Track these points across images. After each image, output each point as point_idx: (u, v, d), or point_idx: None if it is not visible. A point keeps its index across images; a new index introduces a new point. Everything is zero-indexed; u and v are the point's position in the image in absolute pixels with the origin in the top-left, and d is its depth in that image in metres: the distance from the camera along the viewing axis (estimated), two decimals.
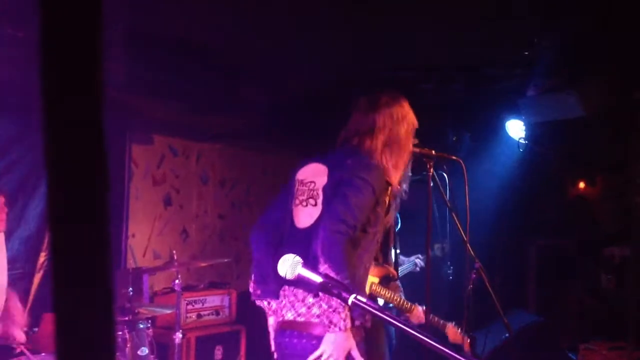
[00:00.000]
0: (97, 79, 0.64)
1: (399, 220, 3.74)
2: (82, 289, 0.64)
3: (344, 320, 2.60)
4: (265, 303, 2.93)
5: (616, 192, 6.32)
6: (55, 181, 0.64)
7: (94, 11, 0.65)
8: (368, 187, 2.74)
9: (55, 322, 0.64)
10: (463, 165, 3.29)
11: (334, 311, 2.59)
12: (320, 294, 2.59)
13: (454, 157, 3.32)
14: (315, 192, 2.85)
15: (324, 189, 2.83)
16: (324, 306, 2.62)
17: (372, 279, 3.31)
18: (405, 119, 3.01)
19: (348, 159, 2.84)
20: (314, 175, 2.92)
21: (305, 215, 2.86)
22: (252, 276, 2.98)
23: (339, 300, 2.56)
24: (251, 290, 2.97)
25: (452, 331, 3.63)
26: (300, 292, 2.75)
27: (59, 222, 0.64)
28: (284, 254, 2.11)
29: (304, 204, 2.87)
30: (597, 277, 6.35)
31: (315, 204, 2.83)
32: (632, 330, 5.34)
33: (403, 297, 3.42)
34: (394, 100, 3.03)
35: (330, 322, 2.59)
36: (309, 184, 2.90)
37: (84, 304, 0.64)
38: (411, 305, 3.42)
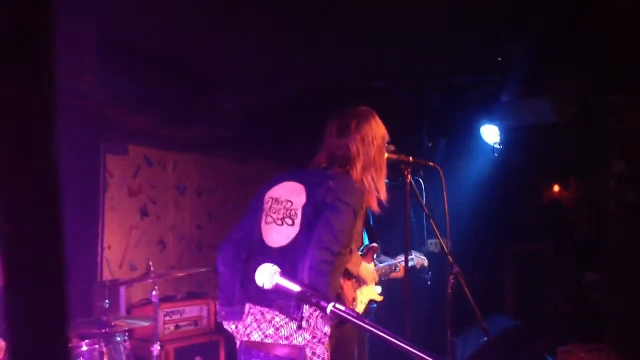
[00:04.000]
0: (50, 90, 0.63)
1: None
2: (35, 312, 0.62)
3: (327, 351, 2.61)
4: (233, 326, 2.93)
5: (590, 195, 6.39)
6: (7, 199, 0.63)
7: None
8: (350, 211, 2.76)
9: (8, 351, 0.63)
10: (440, 171, 3.30)
11: (318, 342, 2.59)
12: (304, 324, 2.59)
13: (431, 163, 3.33)
14: (292, 212, 2.83)
15: (304, 208, 2.81)
16: (307, 337, 2.61)
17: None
18: (375, 137, 3.03)
19: (330, 181, 2.84)
20: (290, 194, 2.90)
21: (280, 234, 2.83)
22: (218, 297, 2.99)
23: (322, 331, 2.57)
24: (217, 310, 2.98)
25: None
26: (267, 312, 2.73)
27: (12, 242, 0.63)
28: (254, 269, 2.09)
29: (279, 222, 2.85)
30: (574, 281, 6.40)
31: (293, 224, 2.81)
32: (611, 332, 5.40)
33: (386, 264, 3.46)
34: (363, 121, 3.04)
35: (314, 353, 2.59)
36: (285, 202, 2.88)
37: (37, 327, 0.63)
38: (396, 266, 3.47)
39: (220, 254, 2.99)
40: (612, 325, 5.47)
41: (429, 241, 4.98)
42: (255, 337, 2.73)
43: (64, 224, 0.68)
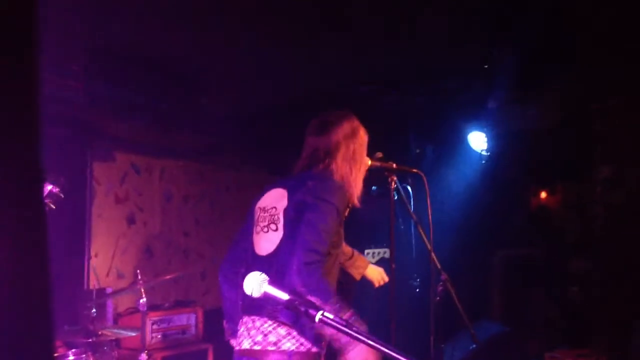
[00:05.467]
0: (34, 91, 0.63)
1: None
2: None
3: None
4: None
5: (577, 200, 6.42)
6: None
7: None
8: (333, 210, 2.71)
9: None
10: (424, 177, 3.32)
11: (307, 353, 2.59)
12: (295, 334, 2.59)
13: (414, 170, 3.34)
14: (275, 217, 2.82)
15: (285, 211, 2.79)
16: (296, 344, 2.60)
17: None
18: (356, 133, 3.03)
19: (309, 181, 2.81)
20: (274, 200, 2.89)
21: (266, 241, 2.82)
22: (224, 315, 3.04)
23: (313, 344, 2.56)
24: (224, 328, 3.05)
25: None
26: (257, 319, 2.71)
27: None
28: None
29: (265, 229, 2.84)
30: (562, 286, 6.42)
31: (276, 229, 2.79)
32: (597, 337, 5.42)
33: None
34: (342, 118, 3.04)
35: None
36: (271, 209, 2.87)
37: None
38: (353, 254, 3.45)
39: (221, 274, 3.02)
40: (600, 331, 5.49)
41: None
42: (245, 345, 2.72)
43: (50, 233, 0.67)
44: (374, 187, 3.41)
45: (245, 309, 2.79)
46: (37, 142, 0.65)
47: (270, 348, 2.62)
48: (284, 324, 2.62)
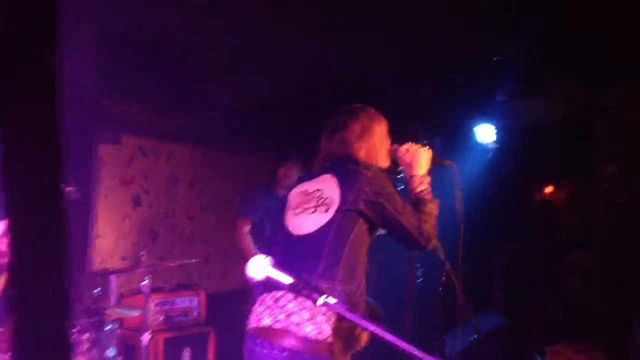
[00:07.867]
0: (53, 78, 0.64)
1: None
2: (38, 289, 0.63)
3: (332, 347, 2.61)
4: None
5: (583, 196, 6.41)
6: (13, 181, 0.63)
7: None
8: (395, 195, 2.77)
9: (12, 325, 0.63)
10: (456, 169, 3.29)
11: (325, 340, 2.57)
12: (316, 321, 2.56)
13: (447, 162, 3.32)
14: (327, 200, 2.74)
15: (342, 198, 2.73)
16: (316, 330, 2.57)
17: None
18: (366, 130, 2.99)
19: (362, 169, 2.78)
20: (317, 184, 2.83)
21: (309, 222, 2.74)
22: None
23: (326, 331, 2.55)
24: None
25: None
26: (280, 297, 2.67)
27: (18, 222, 0.63)
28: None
29: (311, 210, 2.76)
30: (563, 281, 6.42)
31: (327, 210, 2.72)
32: (598, 333, 5.42)
33: None
34: (351, 119, 3.01)
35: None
36: (315, 192, 2.80)
37: (40, 305, 0.63)
38: None
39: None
40: (601, 326, 5.50)
41: None
42: (267, 321, 2.65)
43: (66, 215, 0.68)
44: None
45: (268, 287, 2.73)
46: (57, 134, 0.67)
47: (291, 328, 2.57)
48: (305, 309, 2.58)
